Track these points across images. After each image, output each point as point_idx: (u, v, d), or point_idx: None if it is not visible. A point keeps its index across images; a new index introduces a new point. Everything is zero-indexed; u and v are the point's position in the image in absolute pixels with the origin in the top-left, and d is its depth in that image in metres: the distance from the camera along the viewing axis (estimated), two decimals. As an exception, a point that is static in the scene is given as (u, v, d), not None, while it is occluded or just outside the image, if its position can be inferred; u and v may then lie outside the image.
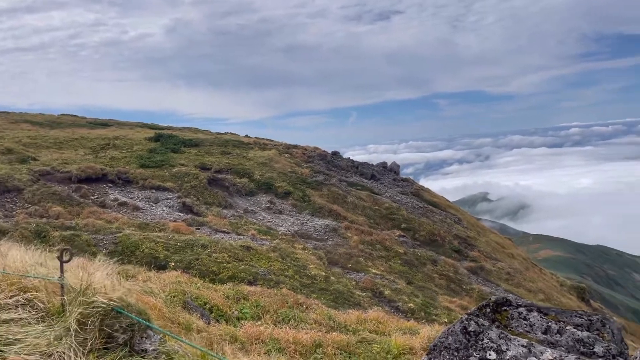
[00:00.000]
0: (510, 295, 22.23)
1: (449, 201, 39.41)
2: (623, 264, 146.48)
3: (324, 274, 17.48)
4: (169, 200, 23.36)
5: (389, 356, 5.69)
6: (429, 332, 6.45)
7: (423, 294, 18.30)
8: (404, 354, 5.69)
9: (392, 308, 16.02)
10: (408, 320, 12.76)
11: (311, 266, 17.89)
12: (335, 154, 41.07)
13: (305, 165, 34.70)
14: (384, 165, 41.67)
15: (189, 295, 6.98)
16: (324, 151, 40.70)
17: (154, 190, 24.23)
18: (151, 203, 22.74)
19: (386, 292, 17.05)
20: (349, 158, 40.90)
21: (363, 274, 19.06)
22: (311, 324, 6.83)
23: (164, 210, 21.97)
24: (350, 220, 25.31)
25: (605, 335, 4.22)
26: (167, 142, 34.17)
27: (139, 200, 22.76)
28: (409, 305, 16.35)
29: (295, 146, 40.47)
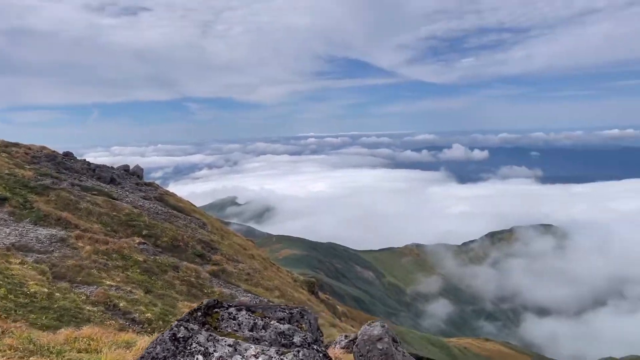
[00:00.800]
0: (249, 294, 23.20)
1: (194, 205, 39.18)
2: (348, 258, 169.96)
3: (46, 290, 15.24)
4: None
5: (98, 376, 5.08)
6: (145, 343, 6.02)
7: (163, 302, 17.56)
8: (116, 371, 5.17)
9: (127, 320, 14.89)
10: (143, 332, 12.01)
11: (31, 283, 15.41)
12: (68, 154, 36.66)
13: (28, 166, 29.98)
14: (125, 168, 39.02)
15: None
16: (54, 151, 35.91)
17: None
18: None
19: (121, 304, 15.78)
20: (84, 160, 36.96)
21: (96, 286, 17.28)
22: (4, 351, 5.69)
23: None
24: (82, 229, 22.76)
25: (304, 325, 4.52)
26: None
27: None
28: (147, 315, 15.45)
29: (16, 144, 34.66)
